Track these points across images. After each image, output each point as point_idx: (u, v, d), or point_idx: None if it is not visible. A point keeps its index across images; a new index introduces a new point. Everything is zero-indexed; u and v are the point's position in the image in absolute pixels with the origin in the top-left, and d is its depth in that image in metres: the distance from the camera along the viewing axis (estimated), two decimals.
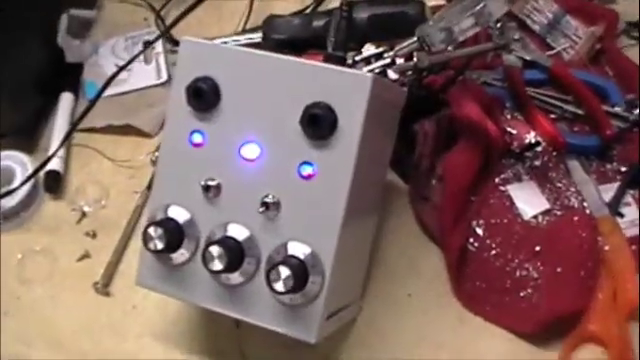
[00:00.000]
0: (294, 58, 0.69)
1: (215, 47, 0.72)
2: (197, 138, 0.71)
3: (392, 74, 0.81)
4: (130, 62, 0.98)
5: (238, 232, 0.69)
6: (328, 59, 0.79)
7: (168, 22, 1.12)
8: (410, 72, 0.83)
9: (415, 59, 0.81)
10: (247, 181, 0.69)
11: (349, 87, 0.66)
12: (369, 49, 0.82)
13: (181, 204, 0.71)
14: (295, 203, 0.68)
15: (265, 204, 0.67)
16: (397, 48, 0.81)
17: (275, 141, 0.68)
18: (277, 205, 0.68)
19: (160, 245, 0.68)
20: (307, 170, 0.67)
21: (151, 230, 0.69)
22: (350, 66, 0.81)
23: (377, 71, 0.80)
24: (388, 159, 0.80)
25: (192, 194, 0.71)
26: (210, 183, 0.69)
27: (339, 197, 0.66)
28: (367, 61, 0.81)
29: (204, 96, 0.69)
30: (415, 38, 0.79)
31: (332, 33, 0.85)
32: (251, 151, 0.69)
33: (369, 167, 0.72)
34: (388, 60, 0.81)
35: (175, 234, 0.70)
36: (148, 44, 1.05)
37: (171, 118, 0.72)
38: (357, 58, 0.81)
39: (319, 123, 0.65)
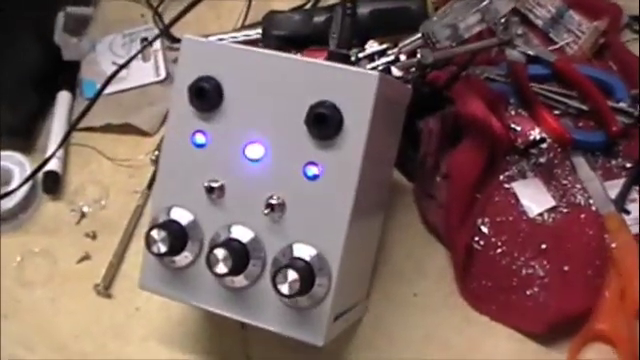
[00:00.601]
0: (298, 57, 0.68)
1: (217, 46, 0.71)
2: (200, 138, 0.69)
3: (396, 71, 0.79)
4: (129, 61, 0.96)
5: (242, 234, 0.68)
6: (332, 57, 0.78)
7: (166, 18, 1.10)
8: (413, 69, 0.81)
9: (419, 55, 0.80)
10: (251, 182, 0.68)
11: (355, 86, 0.65)
12: (372, 46, 0.81)
13: (184, 206, 0.70)
14: (301, 204, 0.67)
15: (270, 205, 0.66)
16: (401, 45, 0.80)
17: (280, 141, 0.67)
18: (282, 206, 0.67)
19: (163, 248, 0.67)
20: (313, 170, 0.66)
21: (154, 233, 0.67)
22: (353, 63, 0.80)
23: (381, 68, 0.79)
24: (394, 157, 0.79)
25: (195, 195, 0.69)
26: (213, 184, 0.68)
27: (346, 198, 0.65)
28: (370, 58, 0.80)
29: (207, 96, 0.68)
30: (419, 34, 0.78)
31: (335, 29, 0.84)
32: (255, 151, 0.68)
33: (375, 166, 0.71)
34: (392, 57, 0.79)
35: (178, 237, 0.69)
36: (147, 42, 1.04)
37: (173, 118, 0.71)
38: (360, 55, 0.80)
39: (325, 123, 0.64)
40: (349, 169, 0.65)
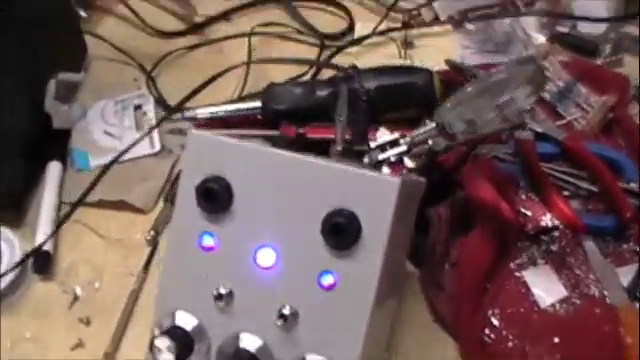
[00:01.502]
0: (313, 159, 0.64)
1: (227, 144, 0.67)
2: (208, 241, 0.66)
3: (408, 162, 0.76)
4: (132, 147, 0.92)
5: (251, 342, 0.65)
6: (345, 153, 0.75)
7: (159, 82, 1.07)
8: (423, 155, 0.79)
9: (430, 142, 0.77)
10: (262, 289, 0.65)
11: (375, 192, 0.62)
12: (383, 134, 0.78)
13: (189, 310, 0.67)
14: (314, 314, 0.63)
15: (282, 316, 0.63)
16: (415, 134, 0.77)
17: (293, 247, 0.64)
18: (295, 316, 0.64)
19: (170, 358, 0.64)
20: (328, 280, 0.63)
21: (159, 342, 0.64)
22: (364, 153, 0.77)
23: (393, 159, 0.76)
24: (407, 248, 0.77)
25: (202, 300, 0.66)
26: (222, 290, 0.65)
27: (363, 308, 0.62)
28: (382, 148, 0.77)
29: (216, 197, 0.65)
30: (433, 124, 0.75)
31: (340, 111, 0.81)
32: (266, 257, 0.64)
33: (391, 264, 0.67)
34: (404, 147, 0.76)
35: (184, 343, 0.65)
36: (149, 129, 0.99)
37: (179, 218, 0.68)
38: (372, 145, 0.77)
39: (342, 233, 0.61)
40: (367, 279, 0.62)
